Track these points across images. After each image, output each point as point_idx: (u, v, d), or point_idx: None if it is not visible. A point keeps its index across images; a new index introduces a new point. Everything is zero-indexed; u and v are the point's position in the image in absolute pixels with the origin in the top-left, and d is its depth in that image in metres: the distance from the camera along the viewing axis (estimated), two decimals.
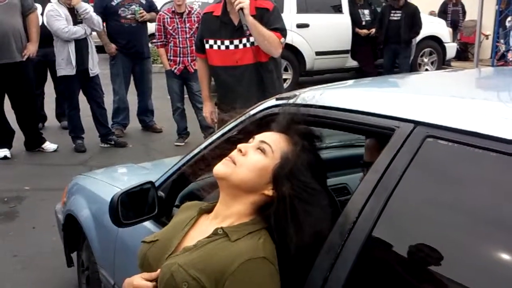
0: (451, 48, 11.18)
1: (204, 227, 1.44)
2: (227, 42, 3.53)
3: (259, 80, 3.55)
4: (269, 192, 1.40)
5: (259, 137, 1.47)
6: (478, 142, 1.16)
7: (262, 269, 1.29)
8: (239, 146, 1.43)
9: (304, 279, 1.34)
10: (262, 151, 1.41)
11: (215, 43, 3.58)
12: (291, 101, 1.68)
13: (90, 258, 2.75)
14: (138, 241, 1.95)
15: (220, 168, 1.42)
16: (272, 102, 1.78)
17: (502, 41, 10.91)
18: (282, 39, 3.48)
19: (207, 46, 3.62)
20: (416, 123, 1.30)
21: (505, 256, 1.10)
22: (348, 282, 1.24)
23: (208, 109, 3.94)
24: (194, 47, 4.15)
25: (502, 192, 1.14)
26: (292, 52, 9.05)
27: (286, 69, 9.20)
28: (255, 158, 1.41)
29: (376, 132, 1.44)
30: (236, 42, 3.52)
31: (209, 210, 1.51)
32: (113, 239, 2.37)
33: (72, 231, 2.98)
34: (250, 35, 3.43)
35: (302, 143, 1.45)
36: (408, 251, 1.22)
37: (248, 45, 3.50)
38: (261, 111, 1.77)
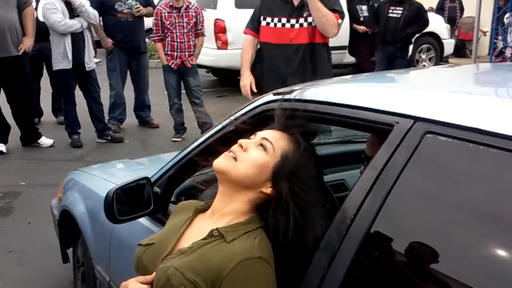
0: (449, 45, 11.17)
1: (200, 227, 1.42)
2: (284, 20, 3.66)
3: (310, 61, 3.63)
4: (267, 190, 1.38)
5: (260, 134, 1.45)
6: (478, 138, 1.14)
7: (258, 269, 1.27)
8: (240, 141, 1.42)
9: (301, 278, 1.32)
10: (264, 148, 1.40)
11: (272, 20, 3.71)
12: (288, 96, 1.66)
13: (85, 254, 2.73)
14: (134, 237, 1.94)
15: (220, 162, 1.40)
16: (269, 97, 1.76)
17: (500, 37, 10.90)
18: (340, 20, 3.62)
19: (263, 23, 3.75)
20: (416, 119, 1.29)
21: (504, 254, 1.09)
22: (346, 280, 1.22)
23: (247, 79, 3.86)
24: (246, 28, 3.99)
25: (502, 189, 1.12)
26: None
27: None
28: (256, 155, 1.39)
29: (375, 128, 1.42)
30: (293, 21, 3.65)
31: (205, 209, 1.49)
32: (108, 235, 2.35)
33: (67, 226, 2.95)
34: (308, 15, 3.56)
35: (303, 143, 1.44)
36: (407, 248, 1.20)
37: (305, 25, 3.62)
38: (258, 106, 1.76)
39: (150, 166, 2.84)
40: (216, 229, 1.35)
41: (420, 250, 1.18)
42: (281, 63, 3.70)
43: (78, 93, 6.23)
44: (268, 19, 3.74)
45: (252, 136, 1.45)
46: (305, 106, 1.57)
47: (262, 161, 1.38)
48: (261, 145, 1.40)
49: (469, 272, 1.10)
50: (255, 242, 1.31)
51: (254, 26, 3.87)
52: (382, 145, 1.33)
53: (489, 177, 1.15)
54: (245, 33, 4.01)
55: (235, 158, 1.39)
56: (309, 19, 3.61)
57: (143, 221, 2.08)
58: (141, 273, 1.44)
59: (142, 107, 7.07)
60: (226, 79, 10.19)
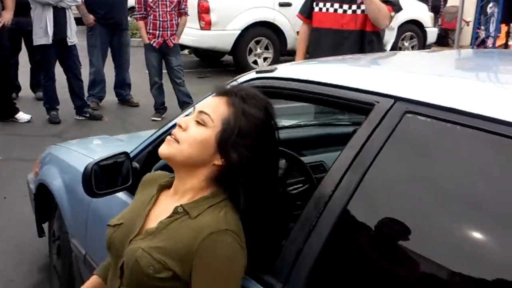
0: (432, 33, 11.25)
1: (166, 205, 1.40)
2: (336, 5, 3.66)
3: (359, 49, 3.60)
4: (219, 162, 1.35)
5: (198, 106, 1.40)
6: (457, 119, 1.16)
7: (225, 241, 1.26)
8: (179, 121, 1.37)
9: (278, 251, 1.33)
10: (202, 123, 1.35)
11: (324, 5, 3.71)
12: (270, 74, 1.66)
13: (61, 228, 2.71)
14: (111, 211, 1.93)
15: (164, 149, 1.37)
16: (252, 75, 1.76)
17: (482, 27, 10.98)
18: (393, 13, 3.59)
19: (316, 9, 3.75)
20: (396, 99, 1.30)
21: (478, 233, 1.11)
22: (322, 254, 1.24)
23: None
24: (299, 12, 4.03)
25: (479, 169, 1.14)
26: (273, 31, 9.00)
27: (267, 48, 9.15)
28: (196, 132, 1.35)
29: (356, 107, 1.43)
30: (345, 7, 3.64)
31: (168, 185, 1.47)
32: (85, 209, 2.33)
33: (43, 201, 2.93)
34: (362, 3, 3.55)
35: (242, 106, 1.36)
36: (383, 225, 1.22)
37: (358, 12, 3.61)
38: (240, 84, 1.75)
39: (129, 142, 2.83)
40: (181, 205, 1.34)
41: (396, 227, 1.20)
42: (330, 48, 3.64)
43: (58, 69, 6.14)
44: (321, 4, 3.72)
45: (192, 110, 1.41)
46: (286, 84, 1.57)
47: (203, 137, 1.34)
48: (199, 120, 1.35)
49: (443, 251, 1.12)
50: (221, 215, 1.30)
51: (305, 11, 3.88)
52: (362, 124, 1.34)
53: (467, 157, 1.17)
54: (297, 17, 4.05)
55: (177, 141, 1.35)
56: (362, 7, 3.58)
57: (121, 195, 2.07)
58: (113, 253, 1.43)
59: (122, 85, 6.99)
60: (208, 60, 10.12)
